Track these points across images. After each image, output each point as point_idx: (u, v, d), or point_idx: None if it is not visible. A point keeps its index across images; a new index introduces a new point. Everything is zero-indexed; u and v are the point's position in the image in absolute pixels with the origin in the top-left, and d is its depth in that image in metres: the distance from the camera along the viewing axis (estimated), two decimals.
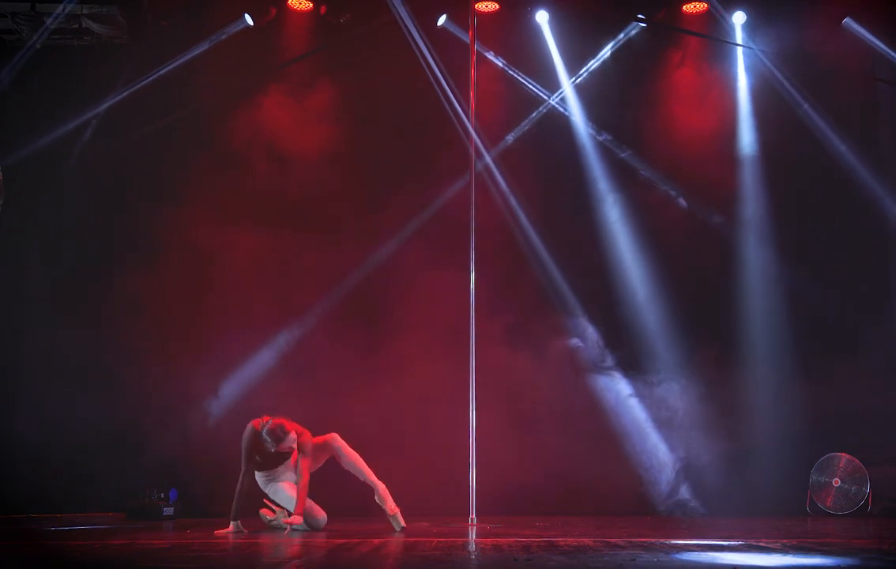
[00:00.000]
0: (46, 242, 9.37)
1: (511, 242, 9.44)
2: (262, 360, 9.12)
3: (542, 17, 9.53)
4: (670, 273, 9.44)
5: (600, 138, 9.64)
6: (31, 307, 9.32)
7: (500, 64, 9.66)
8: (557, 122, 9.74)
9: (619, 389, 9.29)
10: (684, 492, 9.04)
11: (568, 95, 9.70)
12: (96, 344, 9.00)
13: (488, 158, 9.45)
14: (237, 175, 9.35)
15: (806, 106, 9.37)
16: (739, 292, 9.42)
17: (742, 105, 9.55)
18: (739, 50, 9.52)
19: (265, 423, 6.73)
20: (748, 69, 9.56)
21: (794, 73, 9.39)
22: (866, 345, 9.09)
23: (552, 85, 9.74)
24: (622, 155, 9.64)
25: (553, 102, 9.72)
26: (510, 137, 9.68)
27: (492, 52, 9.62)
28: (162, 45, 9.36)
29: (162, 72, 9.36)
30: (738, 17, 9.35)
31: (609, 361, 9.35)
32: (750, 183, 9.43)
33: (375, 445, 8.60)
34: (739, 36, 9.45)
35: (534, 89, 9.71)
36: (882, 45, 9.18)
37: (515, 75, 9.68)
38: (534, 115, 9.74)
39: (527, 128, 9.73)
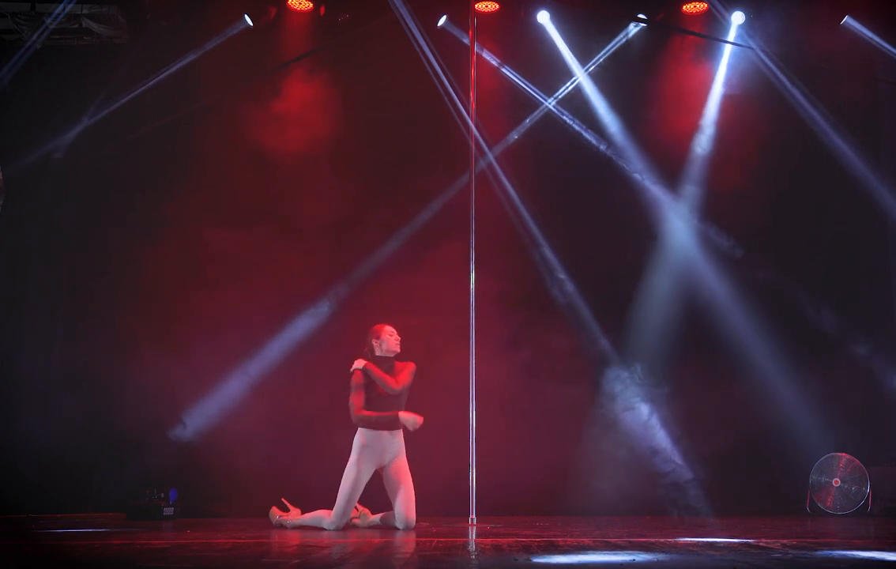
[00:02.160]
0: (46, 241, 9.37)
1: (513, 240, 9.44)
2: (263, 360, 9.11)
3: (543, 17, 9.53)
4: (673, 276, 9.45)
5: (599, 142, 9.66)
6: (31, 307, 9.32)
7: (499, 66, 9.66)
8: (559, 122, 9.74)
9: (624, 391, 9.29)
10: (688, 492, 9.03)
11: (571, 94, 9.72)
12: (96, 344, 9.00)
13: (491, 157, 9.46)
14: (236, 175, 9.34)
15: (808, 108, 9.37)
16: (739, 293, 9.42)
17: (715, 101, 9.57)
18: (734, 48, 9.51)
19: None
20: (745, 68, 9.55)
21: (794, 72, 9.39)
22: (867, 345, 9.10)
23: (554, 84, 9.74)
24: (619, 158, 9.65)
25: (551, 104, 9.71)
26: (514, 135, 9.68)
27: (490, 54, 9.61)
28: (162, 45, 9.35)
29: (162, 75, 9.36)
30: (737, 17, 9.36)
31: (613, 363, 9.34)
32: (750, 184, 9.43)
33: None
34: (740, 36, 9.45)
35: (534, 89, 9.71)
36: (883, 43, 9.17)
37: (514, 77, 9.68)
38: (535, 115, 9.74)
39: (528, 127, 9.73)
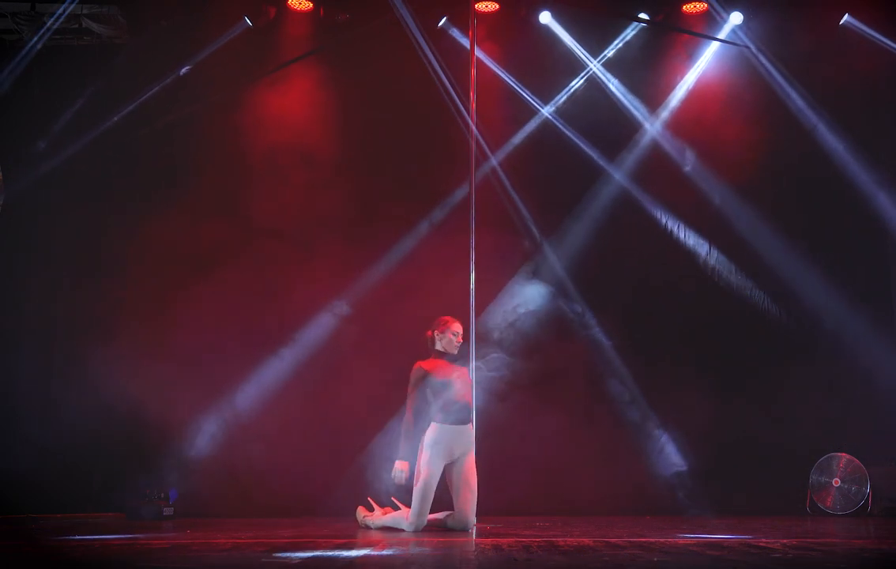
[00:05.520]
0: (46, 241, 9.37)
1: (514, 239, 9.45)
2: (264, 361, 9.10)
3: (544, 18, 9.53)
4: (674, 277, 9.46)
5: (592, 148, 9.67)
6: (31, 307, 9.32)
7: (498, 68, 9.65)
8: (559, 121, 9.73)
9: (625, 391, 9.29)
10: (688, 492, 9.02)
11: (570, 94, 9.73)
12: (96, 344, 8.99)
13: (491, 157, 9.46)
14: (236, 178, 9.34)
15: (806, 108, 9.38)
16: (740, 295, 9.42)
17: (713, 101, 9.57)
18: (733, 48, 9.52)
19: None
20: (745, 68, 9.55)
21: (793, 72, 9.39)
22: (867, 345, 9.09)
23: (554, 83, 9.74)
24: (615, 165, 9.67)
25: (549, 110, 9.71)
26: (515, 138, 9.68)
27: (489, 57, 9.61)
28: (162, 45, 9.35)
29: (163, 78, 9.34)
30: (736, 17, 9.36)
31: (615, 364, 9.34)
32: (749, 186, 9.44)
33: (377, 446, 8.63)
34: (739, 36, 9.45)
35: (530, 94, 9.71)
36: (884, 39, 9.17)
37: (514, 77, 9.68)
38: (535, 115, 9.74)
39: (528, 125, 9.73)
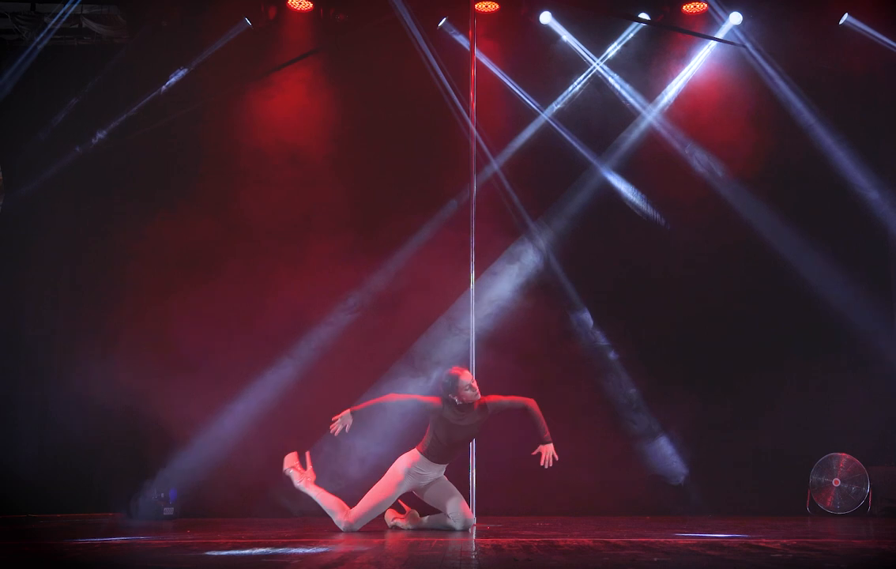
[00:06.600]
0: (46, 242, 9.36)
1: (514, 239, 9.46)
2: (263, 362, 9.09)
3: (545, 18, 9.53)
4: (674, 276, 9.46)
5: (591, 149, 9.66)
6: (31, 307, 9.32)
7: (499, 72, 9.65)
8: (559, 121, 9.74)
9: (625, 391, 9.29)
10: (688, 493, 9.02)
11: (571, 94, 9.73)
12: (96, 344, 9.00)
13: (491, 157, 9.45)
14: (236, 177, 9.34)
15: (805, 111, 9.38)
16: (740, 295, 9.42)
17: (713, 101, 9.56)
18: (732, 49, 9.52)
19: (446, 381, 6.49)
20: (744, 68, 9.55)
21: (793, 72, 9.39)
22: (866, 346, 9.09)
23: (554, 83, 9.74)
24: (612, 170, 9.67)
25: (549, 114, 9.70)
26: (516, 141, 9.68)
27: (491, 59, 9.61)
28: (162, 45, 9.35)
29: (163, 83, 9.34)
30: (735, 17, 9.36)
31: (615, 365, 9.35)
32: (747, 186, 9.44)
33: (377, 447, 8.63)
34: (738, 36, 9.45)
35: (529, 96, 9.70)
36: (883, 38, 9.17)
37: (513, 78, 9.67)
38: (536, 115, 9.73)
39: (528, 124, 9.72)
